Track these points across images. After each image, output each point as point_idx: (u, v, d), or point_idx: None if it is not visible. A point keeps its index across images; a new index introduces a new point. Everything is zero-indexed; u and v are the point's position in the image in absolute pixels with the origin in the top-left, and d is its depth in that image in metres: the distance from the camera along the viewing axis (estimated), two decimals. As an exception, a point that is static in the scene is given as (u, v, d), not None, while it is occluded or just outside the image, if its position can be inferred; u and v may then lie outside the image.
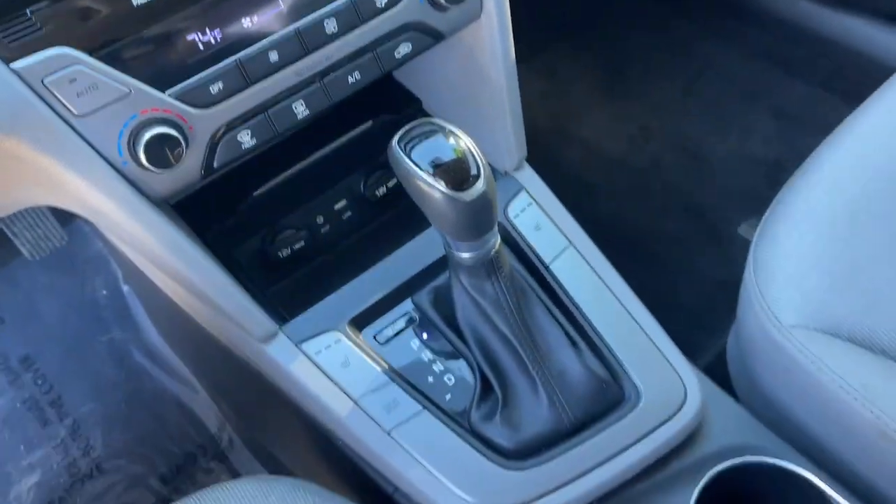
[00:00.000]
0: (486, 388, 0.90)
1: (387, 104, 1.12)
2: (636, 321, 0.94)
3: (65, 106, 0.74)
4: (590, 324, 0.93)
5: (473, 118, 1.03)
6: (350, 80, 0.88)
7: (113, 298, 1.65)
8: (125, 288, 1.65)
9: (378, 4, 0.85)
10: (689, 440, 0.91)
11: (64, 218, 1.57)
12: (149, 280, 1.14)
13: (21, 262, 1.61)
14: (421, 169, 0.75)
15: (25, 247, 1.47)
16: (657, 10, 2.03)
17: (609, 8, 2.05)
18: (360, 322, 0.95)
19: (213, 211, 1.02)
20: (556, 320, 0.92)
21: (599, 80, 1.97)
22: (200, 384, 1.55)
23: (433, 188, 0.75)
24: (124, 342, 1.61)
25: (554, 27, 2.03)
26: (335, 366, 0.91)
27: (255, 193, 1.04)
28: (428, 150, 0.76)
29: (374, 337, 0.95)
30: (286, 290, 1.04)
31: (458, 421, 0.89)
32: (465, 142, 0.77)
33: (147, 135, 0.77)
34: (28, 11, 0.71)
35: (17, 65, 0.72)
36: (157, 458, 1.50)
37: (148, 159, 0.78)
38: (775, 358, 0.92)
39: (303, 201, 1.07)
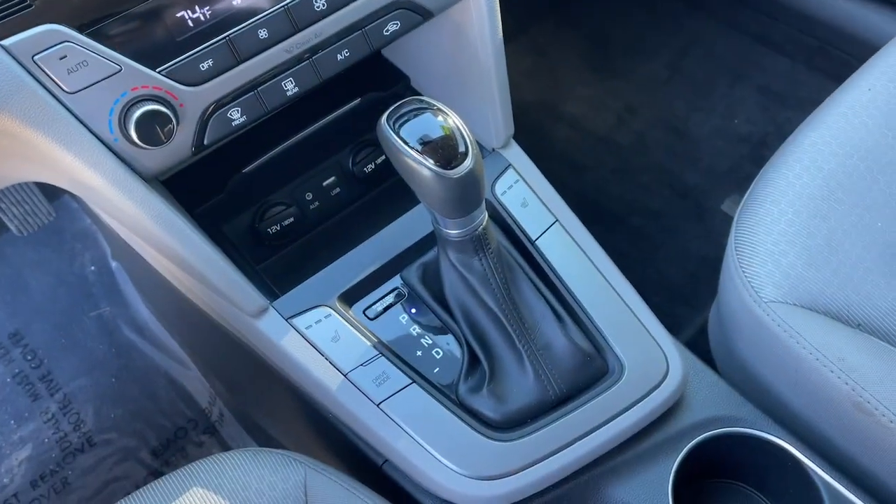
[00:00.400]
0: (474, 361, 0.92)
1: (375, 81, 1.12)
2: (620, 296, 0.96)
3: (55, 83, 0.75)
4: (575, 298, 0.95)
5: (461, 96, 1.04)
6: (339, 57, 0.89)
7: (101, 274, 1.65)
8: (114, 264, 1.66)
9: (367, -18, 0.86)
10: (670, 412, 0.93)
11: (51, 194, 1.57)
12: (138, 256, 1.14)
13: (9, 238, 1.61)
14: (409, 146, 0.76)
15: (13, 223, 1.48)
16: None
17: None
18: (350, 297, 0.96)
19: (203, 187, 1.02)
20: (542, 295, 0.94)
21: (586, 57, 1.98)
22: (191, 359, 1.56)
23: (421, 165, 0.76)
24: (113, 318, 1.61)
25: (540, 4, 2.03)
26: (325, 340, 0.92)
27: (245, 170, 1.05)
28: (416, 127, 0.77)
29: (364, 312, 0.96)
30: (276, 265, 1.05)
31: (446, 393, 0.91)
32: (453, 119, 0.78)
33: (138, 112, 0.78)
34: (17, -13, 0.71)
35: (8, 42, 0.72)
36: (147, 432, 1.52)
37: (139, 136, 0.79)
38: (755, 332, 0.94)
39: (292, 178, 1.07)
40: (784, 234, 0.96)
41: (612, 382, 0.91)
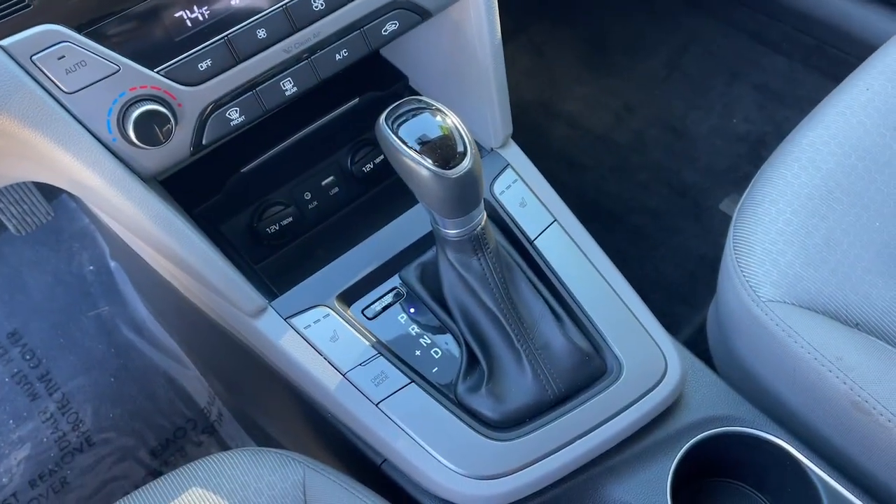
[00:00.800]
0: (472, 361, 0.92)
1: (374, 81, 1.12)
2: (618, 295, 0.96)
3: (54, 83, 0.75)
4: (573, 298, 0.95)
5: (460, 95, 1.04)
6: (338, 56, 0.89)
7: (100, 274, 1.65)
8: (112, 264, 1.66)
9: (365, -18, 0.86)
10: (669, 411, 0.94)
11: (49, 193, 1.57)
12: (137, 256, 1.14)
13: (7, 237, 1.61)
14: (408, 146, 0.76)
15: (11, 222, 1.47)
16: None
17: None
18: (349, 297, 0.96)
19: (202, 187, 1.02)
20: (541, 295, 0.94)
21: (583, 56, 1.98)
22: (190, 359, 1.56)
23: (420, 165, 0.76)
24: (112, 317, 1.61)
25: (537, 3, 2.03)
26: (324, 340, 0.92)
27: (244, 170, 1.05)
28: (415, 127, 0.77)
29: (363, 312, 0.96)
30: (275, 265, 1.05)
31: (444, 393, 0.91)
32: (451, 119, 0.78)
33: (136, 112, 0.78)
34: (15, -13, 0.71)
35: (6, 42, 0.72)
36: (146, 431, 1.52)
37: (137, 136, 0.79)
38: (753, 331, 0.94)
39: (290, 177, 1.07)
40: (782, 233, 0.97)
41: (610, 382, 0.91)
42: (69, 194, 1.60)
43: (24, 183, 1.49)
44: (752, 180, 1.05)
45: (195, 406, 1.54)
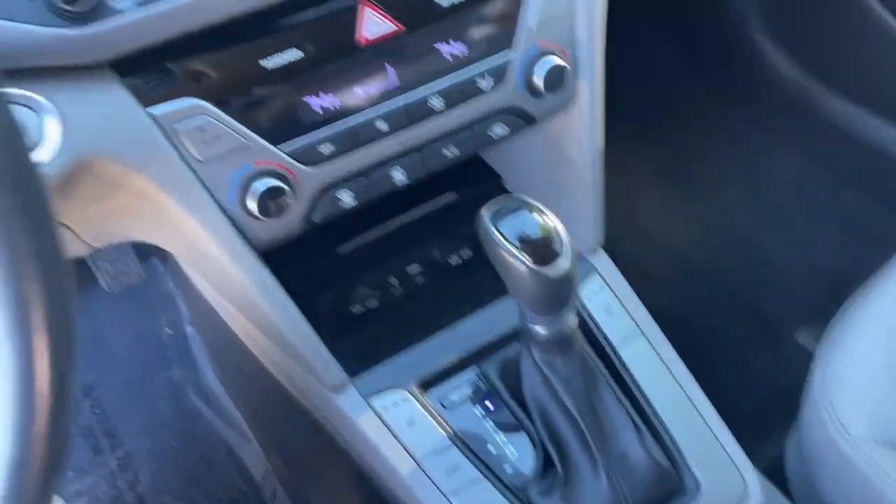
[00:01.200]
0: (547, 464, 0.90)
1: (469, 177, 1.17)
2: (700, 414, 0.95)
3: (189, 151, 0.80)
4: (654, 411, 0.94)
5: (554, 199, 1.06)
6: (446, 153, 0.93)
7: (176, 338, 1.69)
8: (189, 329, 1.70)
9: (481, 87, 0.91)
10: (744, 540, 0.90)
11: (141, 255, 1.63)
12: (217, 323, 1.18)
13: (96, 293, 1.67)
14: (508, 241, 0.79)
15: (104, 279, 1.54)
16: (726, 114, 2.08)
17: (676, 105, 2.10)
18: (428, 384, 0.97)
19: (296, 261, 1.06)
20: (622, 404, 0.93)
21: (664, 173, 2.01)
22: (252, 431, 1.57)
23: (518, 261, 0.78)
24: (182, 382, 1.64)
25: (622, 116, 2.09)
26: (401, 424, 0.92)
27: (339, 249, 1.08)
28: (516, 224, 0.80)
29: (440, 400, 0.96)
30: (357, 344, 1.06)
31: (516, 494, 0.90)
32: (551, 220, 0.81)
33: (258, 184, 0.83)
34: (168, 64, 0.78)
35: (154, 110, 0.78)
36: (200, 499, 1.52)
37: (256, 207, 0.83)
38: (840, 469, 0.91)
39: (381, 262, 1.11)
40: (873, 367, 0.95)
41: (687, 500, 0.89)
42: (159, 258, 1.67)
43: (122, 243, 1.56)
44: (839, 311, 1.04)
45: (251, 480, 1.54)
